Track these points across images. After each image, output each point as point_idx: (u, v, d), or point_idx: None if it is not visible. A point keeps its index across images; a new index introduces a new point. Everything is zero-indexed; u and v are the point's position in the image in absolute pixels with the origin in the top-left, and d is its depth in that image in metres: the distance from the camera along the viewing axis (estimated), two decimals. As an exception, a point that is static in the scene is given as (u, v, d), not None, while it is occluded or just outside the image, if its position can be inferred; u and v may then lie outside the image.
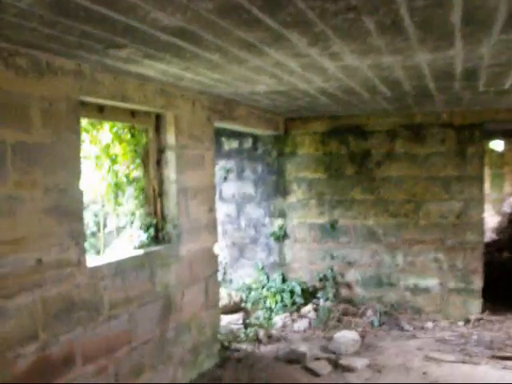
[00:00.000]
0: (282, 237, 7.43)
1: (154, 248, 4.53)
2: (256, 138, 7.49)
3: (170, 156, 4.71)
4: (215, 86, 4.58)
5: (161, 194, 4.77)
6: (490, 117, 6.46)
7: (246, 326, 6.38)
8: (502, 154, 13.41)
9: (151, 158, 4.71)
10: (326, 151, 7.09)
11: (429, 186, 6.71)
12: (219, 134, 7.68)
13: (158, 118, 4.72)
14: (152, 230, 4.72)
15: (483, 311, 6.74)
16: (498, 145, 13.19)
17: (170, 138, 4.71)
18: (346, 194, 7.02)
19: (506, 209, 12.15)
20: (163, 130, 4.73)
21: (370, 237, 6.98)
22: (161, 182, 4.77)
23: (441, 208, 6.69)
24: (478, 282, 6.64)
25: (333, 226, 7.11)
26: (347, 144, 7.00)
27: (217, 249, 5.60)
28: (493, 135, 10.61)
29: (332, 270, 7.17)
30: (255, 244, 7.64)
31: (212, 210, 5.39)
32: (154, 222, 4.71)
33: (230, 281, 7.80)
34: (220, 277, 7.81)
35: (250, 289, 7.44)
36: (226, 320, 6.40)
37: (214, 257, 5.48)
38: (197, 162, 5.11)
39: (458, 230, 6.65)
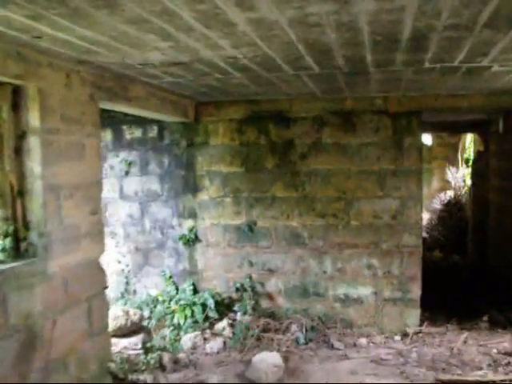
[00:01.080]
0: (192, 240, 6.39)
1: (7, 265, 3.38)
2: (162, 126, 6.39)
3: (34, 143, 3.53)
4: (92, 51, 3.44)
5: (22, 192, 3.58)
6: (429, 104, 5.65)
7: (146, 350, 5.28)
8: (430, 148, 12.91)
9: (6, 145, 3.53)
10: (242, 141, 6.09)
11: (361, 181, 5.84)
12: (119, 120, 6.55)
13: (17, 93, 3.56)
14: (9, 241, 3.57)
15: (422, 323, 5.95)
16: (426, 139, 12.68)
17: (33, 118, 3.52)
18: (266, 190, 6.05)
19: (436, 205, 11.57)
20: (23, 108, 3.53)
21: (293, 240, 6.04)
22: (21, 177, 3.59)
23: (375, 207, 5.84)
24: (416, 291, 5.83)
25: (251, 227, 6.13)
26: (267, 133, 6.01)
27: (105, 260, 4.50)
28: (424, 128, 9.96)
29: (250, 278, 6.19)
30: (162, 249, 6.55)
31: (96, 212, 4.25)
32: (12, 229, 3.57)
33: (134, 292, 6.69)
34: (121, 288, 6.70)
35: (155, 302, 6.36)
36: (121, 345, 5.26)
37: (101, 271, 4.35)
38: (74, 151, 3.95)
39: (394, 232, 5.82)
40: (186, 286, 6.37)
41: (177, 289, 6.44)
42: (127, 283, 6.70)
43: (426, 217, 11.47)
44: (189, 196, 6.34)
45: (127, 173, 6.58)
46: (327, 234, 5.95)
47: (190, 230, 6.35)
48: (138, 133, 6.50)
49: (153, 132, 6.43)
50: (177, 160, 6.35)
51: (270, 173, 6.02)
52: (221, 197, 6.21)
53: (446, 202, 11.38)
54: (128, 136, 6.54)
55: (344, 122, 5.84)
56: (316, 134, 5.89)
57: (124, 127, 6.53)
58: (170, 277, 6.49)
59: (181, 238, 6.38)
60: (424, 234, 10.88)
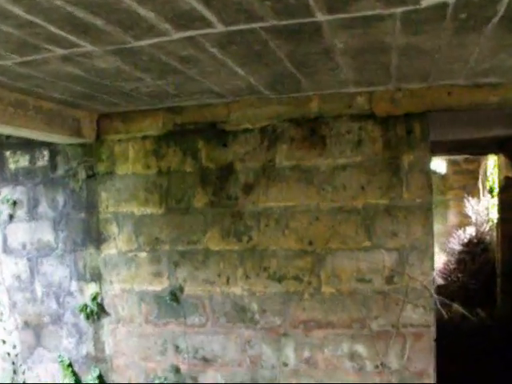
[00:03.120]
0: (96, 313, 4.22)
1: None
2: (55, 151, 4.28)
3: None
4: None
5: None
6: (439, 101, 3.42)
7: None
8: (444, 176, 10.66)
9: None
10: (161, 168, 3.95)
11: (336, 224, 3.66)
12: (1, 144, 4.52)
13: None
14: None
15: None
16: (438, 165, 10.45)
17: None
18: (196, 241, 3.87)
19: (453, 245, 9.23)
20: None
21: (237, 315, 3.83)
22: None
23: (359, 264, 3.63)
24: (427, 396, 3.63)
25: (175, 296, 3.96)
26: (196, 154, 3.86)
27: None
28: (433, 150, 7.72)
29: (178, 370, 4.02)
30: (59, 325, 4.39)
31: None
32: None
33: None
34: (7, 379, 4.58)
35: (47, 404, 4.23)
36: None
37: None
38: None
39: (390, 303, 3.64)
40: (91, 380, 4.22)
41: (78, 382, 4.29)
42: (15, 372, 4.56)
43: (441, 259, 9.19)
44: (90, 249, 4.21)
45: (11, 217, 4.50)
46: (287, 307, 3.72)
47: (94, 299, 4.21)
48: (23, 161, 4.43)
49: (43, 159, 4.36)
50: (74, 197, 4.25)
51: (200, 214, 3.87)
52: (133, 250, 4.06)
53: (466, 241, 9.02)
54: (12, 165, 4.49)
55: (308, 135, 3.65)
56: (266, 153, 3.72)
57: (7, 153, 4.48)
58: (70, 365, 4.33)
59: (82, 310, 4.25)
60: (440, 281, 8.60)
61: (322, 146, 3.64)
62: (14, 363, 4.54)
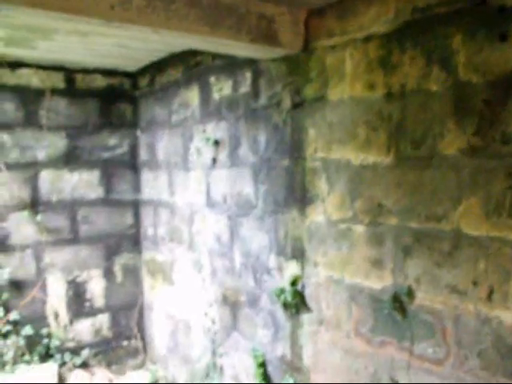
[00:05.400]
0: (295, 305, 2.85)
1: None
2: (257, 71, 2.99)
3: None
4: None
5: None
6: None
7: None
8: None
9: None
10: (391, 87, 2.20)
11: None
12: (206, 69, 3.43)
13: None
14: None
15: None
16: None
17: None
18: (441, 215, 2.04)
19: None
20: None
21: (501, 361, 1.91)
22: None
23: None
24: None
25: (401, 304, 2.21)
26: (448, 60, 2.00)
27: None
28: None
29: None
30: (255, 308, 3.17)
31: None
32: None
33: (221, 370, 3.46)
34: (207, 358, 3.61)
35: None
36: None
37: None
38: None
39: None
40: (285, 394, 2.89)
41: (270, 393, 3.01)
42: (213, 353, 3.51)
43: None
44: (293, 212, 2.82)
45: (214, 161, 3.38)
46: None
47: (293, 283, 2.80)
48: (227, 88, 3.22)
49: (245, 84, 3.08)
50: (277, 136, 2.88)
51: (450, 169, 2.04)
52: (346, 221, 2.49)
53: None
54: (216, 95, 3.33)
55: None
56: None
57: (211, 79, 3.34)
58: (262, 363, 3.06)
59: (279, 296, 2.91)
60: None
61: None
62: (213, 342, 3.50)
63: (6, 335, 3.90)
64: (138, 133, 4.44)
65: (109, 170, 4.35)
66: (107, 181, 4.36)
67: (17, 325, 3.96)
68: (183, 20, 2.16)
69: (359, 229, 2.42)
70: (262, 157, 2.97)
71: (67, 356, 4.17)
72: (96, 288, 4.36)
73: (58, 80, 4.10)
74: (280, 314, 2.91)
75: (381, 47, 2.27)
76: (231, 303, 3.32)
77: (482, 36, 1.92)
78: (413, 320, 2.20)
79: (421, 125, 2.14)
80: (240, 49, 2.58)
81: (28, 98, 3.98)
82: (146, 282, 4.51)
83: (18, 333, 3.95)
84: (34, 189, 4.03)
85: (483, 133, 1.93)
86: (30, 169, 4.01)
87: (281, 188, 2.85)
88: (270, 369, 3.02)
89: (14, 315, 3.93)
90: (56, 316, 4.17)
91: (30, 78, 3.97)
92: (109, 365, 4.42)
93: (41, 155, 4.05)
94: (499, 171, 1.89)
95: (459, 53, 1.99)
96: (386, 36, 2.24)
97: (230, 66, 3.14)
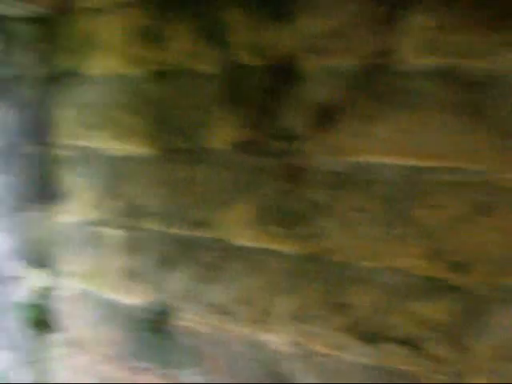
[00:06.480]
0: (42, 324, 2.34)
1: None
2: (10, 33, 2.40)
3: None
4: None
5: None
6: None
7: None
8: None
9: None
10: (158, 64, 1.89)
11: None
12: None
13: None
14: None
15: None
16: None
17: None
18: (208, 220, 1.73)
19: None
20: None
21: None
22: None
23: None
24: None
25: (160, 324, 1.95)
26: (222, 36, 1.67)
27: None
28: None
29: None
30: (-3, 328, 2.59)
31: None
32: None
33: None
34: None
35: None
36: None
37: None
38: None
39: None
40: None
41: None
42: None
43: None
44: (40, 210, 2.28)
45: None
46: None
47: (40, 297, 2.28)
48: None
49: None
50: (26, 116, 2.32)
51: (221, 166, 1.71)
52: (103, 223, 2.07)
53: None
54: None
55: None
56: (375, 36, 1.52)
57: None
58: (5, 398, 2.49)
59: (22, 311, 2.34)
60: None
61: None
62: None
63: None
64: None
65: None
66: None
67: None
68: None
69: (117, 234, 1.96)
70: (11, 141, 2.34)
71: None
72: None
73: None
74: (25, 333, 2.34)
75: (143, 16, 1.82)
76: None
77: (263, 13, 1.58)
78: (176, 344, 1.81)
79: (190, 112, 1.75)
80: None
81: None
82: None
83: None
84: None
85: (262, 126, 1.60)
86: None
87: (26, 180, 2.26)
88: (10, 401, 2.42)
89: None
90: None
91: None
92: None
93: None
94: (275, 171, 1.58)
95: (235, 27, 1.63)
96: (148, 2, 1.81)
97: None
